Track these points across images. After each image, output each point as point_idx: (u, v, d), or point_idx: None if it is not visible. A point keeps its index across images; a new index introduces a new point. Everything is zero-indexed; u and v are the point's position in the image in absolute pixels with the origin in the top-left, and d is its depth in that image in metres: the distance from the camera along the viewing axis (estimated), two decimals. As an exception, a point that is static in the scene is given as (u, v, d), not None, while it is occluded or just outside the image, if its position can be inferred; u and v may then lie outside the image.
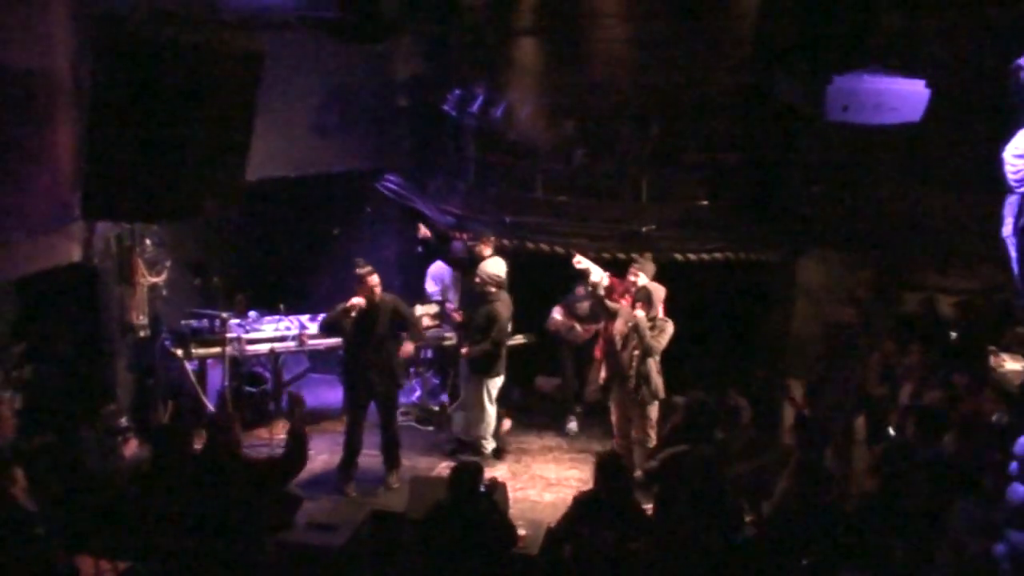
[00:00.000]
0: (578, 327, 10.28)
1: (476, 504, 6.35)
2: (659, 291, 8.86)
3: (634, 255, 9.50)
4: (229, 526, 6.16)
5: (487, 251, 9.67)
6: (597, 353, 9.73)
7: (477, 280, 9.36)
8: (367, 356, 8.80)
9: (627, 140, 10.09)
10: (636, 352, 8.76)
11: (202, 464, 6.52)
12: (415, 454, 9.70)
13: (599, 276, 9.06)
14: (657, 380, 8.82)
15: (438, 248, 10.70)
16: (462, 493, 6.32)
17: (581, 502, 6.73)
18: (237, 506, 6.24)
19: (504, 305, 9.36)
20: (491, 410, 9.55)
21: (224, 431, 6.58)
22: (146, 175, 7.39)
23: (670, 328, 8.78)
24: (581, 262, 9.06)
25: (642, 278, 9.06)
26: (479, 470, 6.62)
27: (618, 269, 9.71)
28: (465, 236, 10.34)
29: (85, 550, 7.31)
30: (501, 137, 10.67)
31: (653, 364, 8.79)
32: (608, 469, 6.62)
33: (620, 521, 6.36)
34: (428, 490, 7.83)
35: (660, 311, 8.83)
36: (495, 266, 9.38)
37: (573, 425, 10.44)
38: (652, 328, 8.70)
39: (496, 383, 9.52)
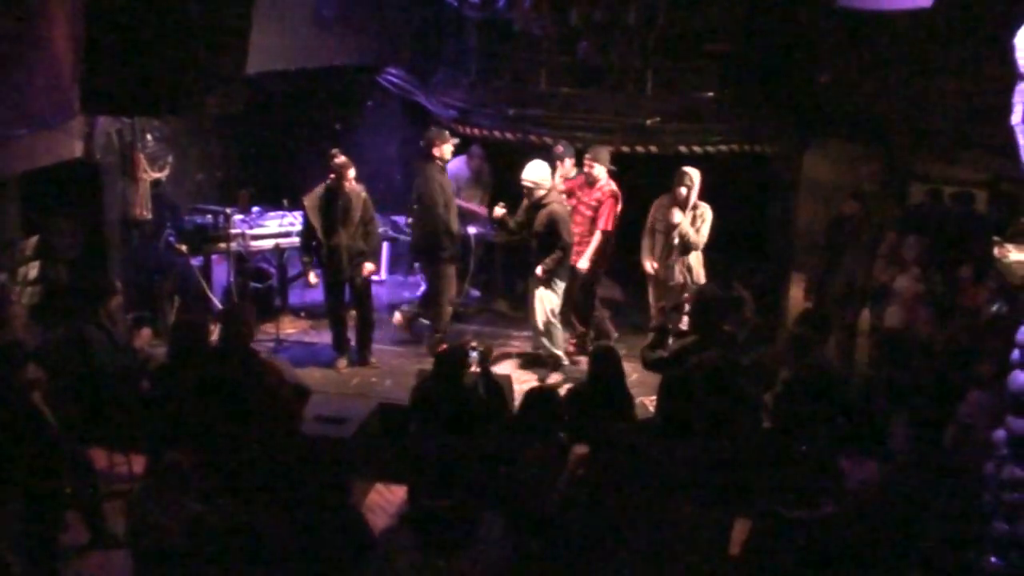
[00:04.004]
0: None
1: (462, 386, 6.51)
2: (695, 174, 8.99)
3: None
4: (248, 418, 6.28)
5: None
6: None
7: (524, 186, 8.95)
8: (340, 241, 8.94)
9: (632, 30, 9.93)
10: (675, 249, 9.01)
11: (217, 356, 6.61)
12: (422, 347, 9.79)
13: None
14: (699, 270, 9.10)
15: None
16: (448, 377, 6.50)
17: (574, 391, 6.81)
18: (253, 397, 6.35)
19: (561, 205, 9.00)
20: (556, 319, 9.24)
21: (238, 322, 6.67)
22: (145, 69, 7.34)
23: (709, 214, 8.96)
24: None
25: (597, 168, 9.14)
26: (464, 354, 6.76)
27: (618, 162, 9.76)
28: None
29: (98, 443, 7.47)
30: (504, 28, 10.50)
31: (696, 257, 9.04)
32: (600, 360, 6.68)
33: (609, 410, 6.45)
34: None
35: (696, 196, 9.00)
36: (539, 170, 8.92)
37: None
38: (693, 219, 8.93)
39: (561, 287, 9.13)
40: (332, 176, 8.86)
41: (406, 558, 4.51)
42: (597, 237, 9.21)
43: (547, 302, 9.03)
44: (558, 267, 8.94)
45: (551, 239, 8.86)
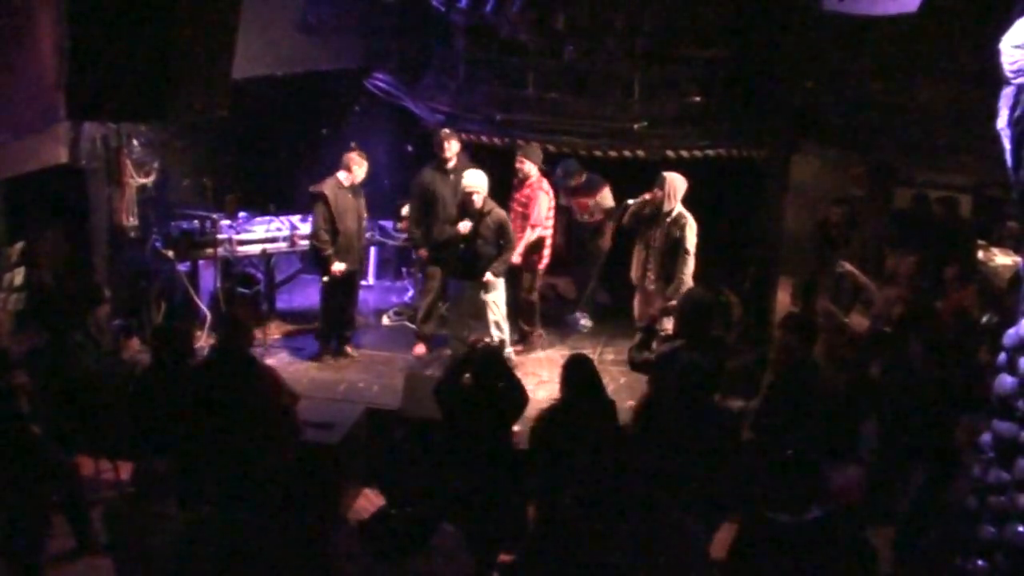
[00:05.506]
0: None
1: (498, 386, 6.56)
2: (679, 182, 8.71)
3: (520, 142, 9.69)
4: (244, 424, 6.25)
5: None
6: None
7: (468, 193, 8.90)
8: (352, 232, 9.19)
9: (619, 34, 9.94)
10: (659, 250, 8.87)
11: (217, 361, 6.58)
12: (409, 352, 9.77)
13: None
14: (683, 276, 8.77)
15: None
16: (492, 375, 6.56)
17: (552, 407, 6.74)
18: (250, 404, 6.32)
19: (501, 209, 9.03)
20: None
21: (237, 327, 6.64)
22: (131, 74, 7.31)
23: (692, 222, 8.71)
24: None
25: (528, 165, 9.32)
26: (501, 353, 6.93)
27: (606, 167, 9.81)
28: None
29: (85, 450, 7.44)
30: (491, 33, 10.51)
31: (685, 261, 8.79)
32: (571, 372, 6.59)
33: (589, 423, 6.38)
34: (422, 388, 7.91)
35: (678, 204, 8.73)
36: (480, 178, 8.90)
37: (586, 321, 10.53)
38: (673, 223, 8.69)
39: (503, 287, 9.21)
40: (352, 168, 9.09)
41: (352, 560, 4.51)
42: (528, 233, 9.36)
43: (496, 302, 9.09)
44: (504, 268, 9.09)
45: (497, 243, 8.92)
